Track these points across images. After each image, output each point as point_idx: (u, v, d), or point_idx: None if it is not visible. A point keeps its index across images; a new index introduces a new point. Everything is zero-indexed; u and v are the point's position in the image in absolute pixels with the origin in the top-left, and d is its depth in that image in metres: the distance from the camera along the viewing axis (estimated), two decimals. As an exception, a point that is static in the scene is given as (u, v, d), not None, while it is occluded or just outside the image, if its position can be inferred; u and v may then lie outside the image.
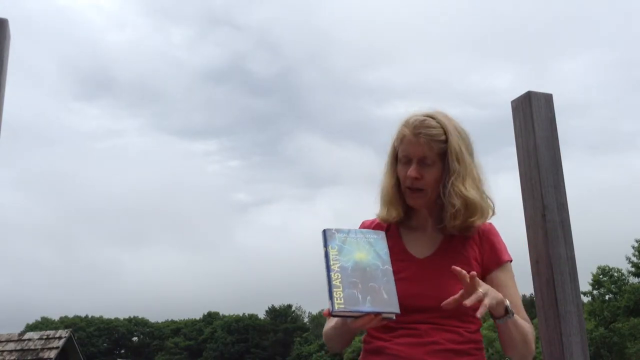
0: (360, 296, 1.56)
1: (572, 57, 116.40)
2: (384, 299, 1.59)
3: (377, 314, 1.57)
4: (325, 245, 1.65)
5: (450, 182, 1.82)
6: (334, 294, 1.55)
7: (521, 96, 2.53)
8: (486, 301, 1.60)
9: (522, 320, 1.77)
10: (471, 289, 1.61)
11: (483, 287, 1.63)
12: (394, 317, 1.61)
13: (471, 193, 1.82)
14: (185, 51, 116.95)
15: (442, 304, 1.64)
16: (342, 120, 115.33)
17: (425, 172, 1.83)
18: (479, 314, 1.60)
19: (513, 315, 1.71)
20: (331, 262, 1.61)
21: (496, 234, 1.94)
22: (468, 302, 1.59)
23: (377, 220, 2.02)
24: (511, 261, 1.93)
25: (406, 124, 1.86)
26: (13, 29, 2.12)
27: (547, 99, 2.52)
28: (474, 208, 1.83)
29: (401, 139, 1.86)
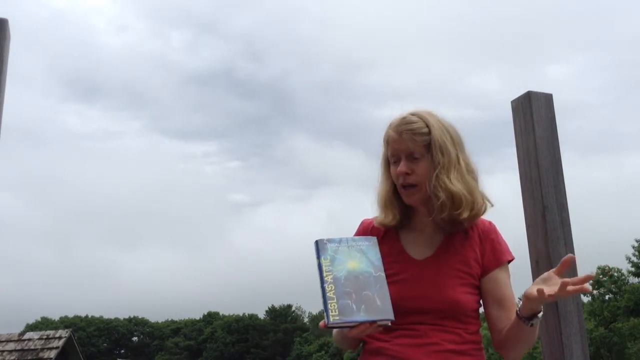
0: (354, 306, 1.58)
1: (569, 59, 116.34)
2: (378, 306, 1.60)
3: (372, 322, 1.59)
4: (318, 257, 1.66)
5: (434, 174, 1.81)
6: (329, 305, 1.56)
7: (521, 96, 2.53)
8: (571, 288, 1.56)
9: (537, 330, 1.76)
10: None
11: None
12: (390, 324, 1.64)
13: (456, 185, 1.79)
14: (181, 54, 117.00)
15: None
16: (339, 123, 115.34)
17: (415, 167, 1.83)
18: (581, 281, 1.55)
19: (535, 324, 1.70)
20: (324, 274, 1.62)
21: (497, 233, 1.92)
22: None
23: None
24: (513, 259, 1.92)
25: (389, 125, 1.89)
26: (13, 29, 2.12)
27: (547, 99, 2.51)
28: (459, 201, 1.79)
29: (387, 141, 1.89)
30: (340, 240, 1.71)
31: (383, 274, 1.68)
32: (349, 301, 1.58)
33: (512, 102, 2.58)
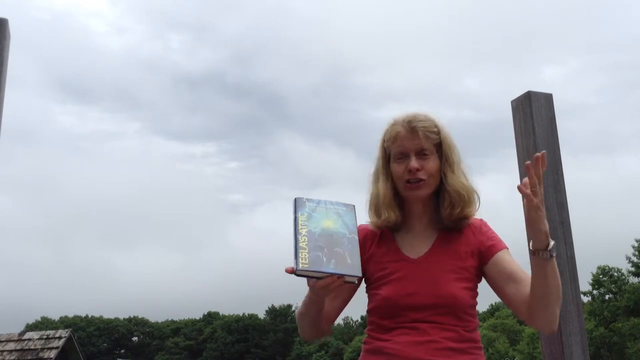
0: (325, 259, 1.64)
1: (567, 60, 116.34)
2: (348, 263, 1.67)
3: (340, 276, 1.64)
4: (295, 212, 1.73)
5: (448, 171, 1.88)
6: (300, 254, 1.63)
7: (521, 96, 2.53)
8: (536, 200, 1.57)
9: (557, 267, 1.68)
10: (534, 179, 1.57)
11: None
12: (356, 281, 1.70)
13: (467, 182, 1.90)
14: (179, 57, 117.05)
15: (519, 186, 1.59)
16: (338, 124, 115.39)
17: (425, 163, 1.87)
18: (527, 189, 1.56)
19: (554, 255, 1.64)
20: (299, 227, 1.69)
21: (488, 227, 1.96)
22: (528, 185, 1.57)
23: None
24: (507, 249, 1.94)
25: (397, 122, 1.92)
26: (12, 30, 2.12)
27: (547, 98, 2.51)
28: (470, 197, 1.89)
29: (394, 138, 1.90)
30: (319, 201, 1.79)
31: (356, 237, 1.74)
32: (320, 254, 1.65)
33: (512, 102, 2.58)
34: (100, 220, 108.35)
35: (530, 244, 1.65)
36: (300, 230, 1.68)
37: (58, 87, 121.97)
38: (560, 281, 1.69)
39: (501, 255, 1.87)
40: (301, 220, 1.70)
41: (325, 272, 1.62)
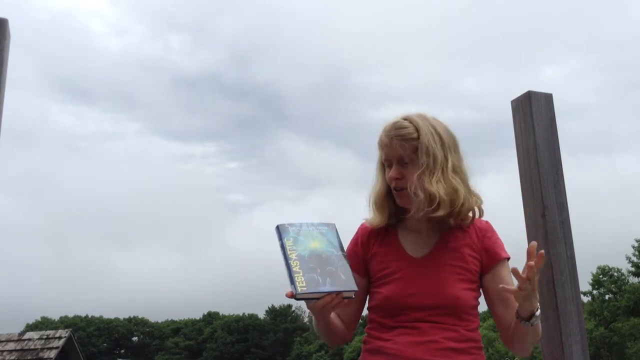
0: (320, 279, 1.68)
1: (567, 60, 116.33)
2: (342, 279, 1.71)
3: (338, 293, 1.68)
4: (281, 238, 1.76)
5: (417, 176, 1.84)
6: (296, 278, 1.66)
7: (521, 96, 2.53)
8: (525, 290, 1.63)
9: (539, 326, 1.79)
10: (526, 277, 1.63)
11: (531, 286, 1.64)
12: (353, 296, 1.72)
13: (433, 186, 1.81)
14: (180, 57, 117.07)
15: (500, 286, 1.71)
16: (338, 125, 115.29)
17: (405, 171, 1.87)
18: (522, 277, 1.62)
19: (535, 323, 1.74)
20: (288, 252, 1.73)
21: (493, 232, 1.95)
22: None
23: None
24: (509, 258, 1.93)
25: (383, 130, 1.93)
26: (12, 31, 2.12)
27: (547, 98, 2.52)
28: (434, 200, 1.81)
29: (380, 145, 1.93)
30: (301, 224, 1.82)
31: (343, 253, 1.78)
32: (314, 275, 1.68)
33: (512, 102, 2.59)
34: (100, 220, 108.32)
35: (516, 308, 1.74)
36: (290, 255, 1.71)
37: (58, 88, 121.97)
38: (540, 334, 1.81)
39: (501, 269, 1.89)
40: (288, 245, 1.74)
41: (324, 292, 1.66)
